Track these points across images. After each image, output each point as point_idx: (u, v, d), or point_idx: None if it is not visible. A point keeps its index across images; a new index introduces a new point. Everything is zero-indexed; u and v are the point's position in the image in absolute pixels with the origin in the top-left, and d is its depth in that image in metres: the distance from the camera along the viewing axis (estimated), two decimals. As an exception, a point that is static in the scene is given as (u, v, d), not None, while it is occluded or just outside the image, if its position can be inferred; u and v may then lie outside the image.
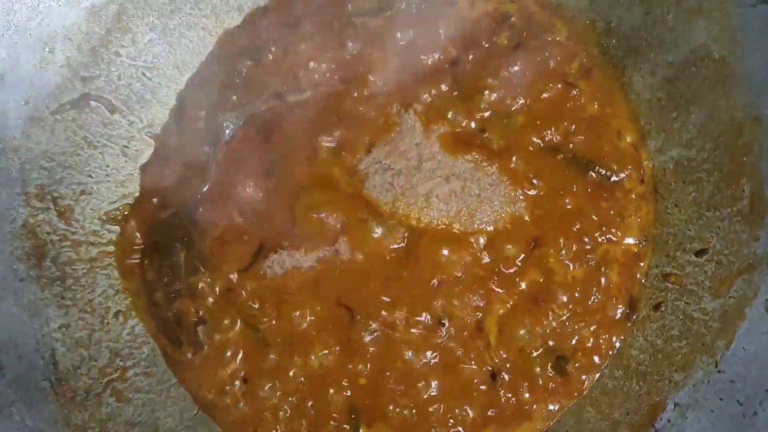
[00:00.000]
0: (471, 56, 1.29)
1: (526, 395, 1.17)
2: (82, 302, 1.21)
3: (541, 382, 1.16)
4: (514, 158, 1.22)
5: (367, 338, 1.17)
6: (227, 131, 1.28)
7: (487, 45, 1.30)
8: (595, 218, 1.21)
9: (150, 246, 1.26)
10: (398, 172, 1.22)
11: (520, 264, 1.19)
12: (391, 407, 1.16)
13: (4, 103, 1.17)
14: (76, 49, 1.24)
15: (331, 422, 1.17)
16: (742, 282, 1.07)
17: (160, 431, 1.19)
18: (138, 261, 1.26)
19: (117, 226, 1.28)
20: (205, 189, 1.27)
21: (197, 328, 1.21)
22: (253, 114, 1.28)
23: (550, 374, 1.16)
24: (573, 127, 1.24)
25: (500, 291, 1.18)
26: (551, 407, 1.17)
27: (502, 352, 1.17)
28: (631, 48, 1.26)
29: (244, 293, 1.21)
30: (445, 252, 1.18)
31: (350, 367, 1.17)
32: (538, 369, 1.16)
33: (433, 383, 1.16)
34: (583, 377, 1.18)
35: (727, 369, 1.04)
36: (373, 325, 1.17)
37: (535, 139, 1.23)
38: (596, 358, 1.18)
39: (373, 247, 1.19)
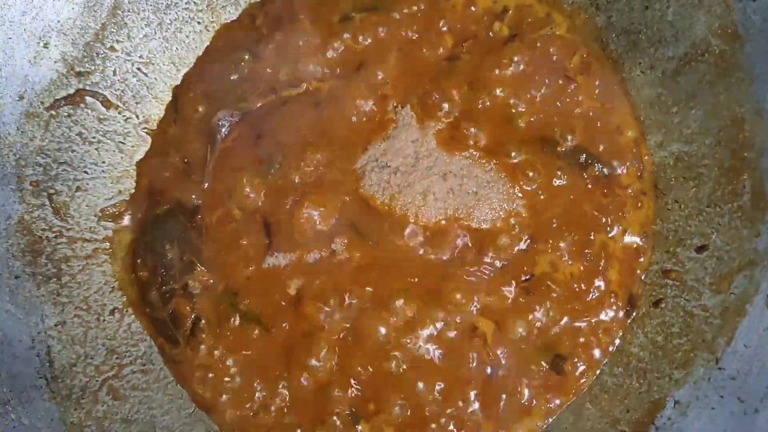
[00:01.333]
0: (471, 51, 1.28)
1: (525, 392, 1.16)
2: (77, 299, 1.21)
3: (539, 380, 1.16)
4: (512, 154, 1.21)
5: (366, 336, 1.17)
6: (223, 129, 1.27)
7: (486, 39, 1.29)
8: (595, 214, 1.21)
9: (144, 245, 1.25)
10: (395, 170, 1.21)
11: (518, 261, 1.19)
12: (390, 404, 1.15)
13: (-2, 99, 1.16)
14: (70, 44, 1.23)
15: (332, 417, 1.16)
16: (743, 278, 1.06)
17: (156, 429, 1.19)
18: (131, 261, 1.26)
19: (113, 223, 1.27)
20: (204, 186, 1.26)
21: (194, 328, 1.20)
22: (248, 111, 1.27)
23: (548, 372, 1.16)
24: (572, 122, 1.24)
25: (498, 288, 1.18)
26: (550, 404, 1.17)
27: (499, 349, 1.16)
28: (630, 43, 1.25)
29: (242, 293, 1.21)
30: (442, 249, 1.18)
31: (350, 363, 1.17)
32: (535, 366, 1.16)
33: (432, 380, 1.16)
34: (582, 375, 1.17)
35: (727, 366, 1.04)
36: (372, 323, 1.17)
37: (533, 135, 1.23)
38: (595, 356, 1.18)
39: (369, 247, 1.19)
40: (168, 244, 1.24)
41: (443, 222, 1.19)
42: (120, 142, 1.30)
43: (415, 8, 1.31)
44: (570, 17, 1.30)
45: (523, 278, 1.18)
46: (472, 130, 1.22)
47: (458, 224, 1.19)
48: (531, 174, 1.21)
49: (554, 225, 1.20)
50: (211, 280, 1.22)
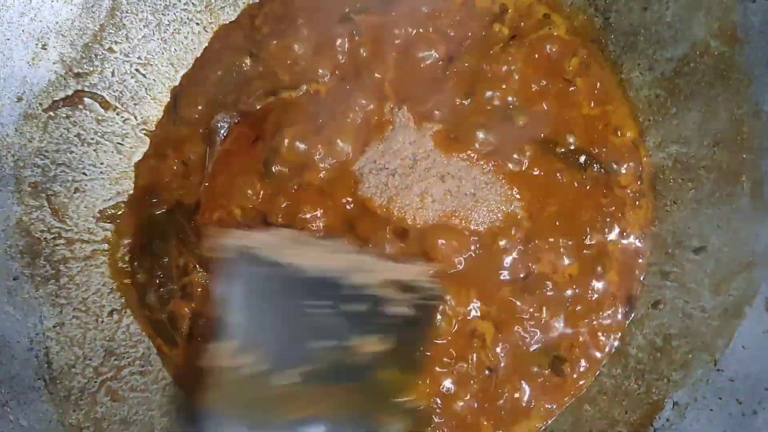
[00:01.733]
0: (469, 51, 1.28)
1: (524, 394, 1.16)
2: (76, 301, 1.21)
3: (538, 381, 1.16)
4: (510, 156, 1.21)
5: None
6: (222, 130, 1.27)
7: (484, 40, 1.28)
8: (594, 215, 1.21)
9: (141, 248, 1.25)
10: (393, 172, 1.20)
11: (516, 261, 1.18)
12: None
13: (-4, 100, 1.16)
14: (69, 45, 1.23)
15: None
16: (742, 280, 1.06)
17: (155, 430, 1.19)
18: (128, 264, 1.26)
19: (111, 224, 1.27)
20: (202, 188, 1.26)
21: (192, 329, 1.20)
22: (247, 112, 1.27)
23: (547, 373, 1.16)
24: (571, 123, 1.24)
25: (497, 289, 1.17)
26: (549, 406, 1.17)
27: (498, 350, 1.16)
28: (629, 44, 1.25)
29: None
30: (442, 246, 1.17)
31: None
32: (535, 368, 1.16)
33: (430, 382, 1.15)
34: (581, 376, 1.17)
35: (726, 368, 1.04)
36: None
37: (532, 136, 1.22)
38: (594, 357, 1.18)
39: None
40: (166, 245, 1.24)
41: (441, 224, 1.18)
42: (118, 143, 1.29)
43: (413, 9, 1.31)
44: (569, 18, 1.30)
45: (522, 279, 1.18)
46: (480, 135, 1.22)
47: (456, 226, 1.18)
48: (530, 175, 1.21)
49: (553, 226, 1.20)
50: (210, 282, 1.22)
